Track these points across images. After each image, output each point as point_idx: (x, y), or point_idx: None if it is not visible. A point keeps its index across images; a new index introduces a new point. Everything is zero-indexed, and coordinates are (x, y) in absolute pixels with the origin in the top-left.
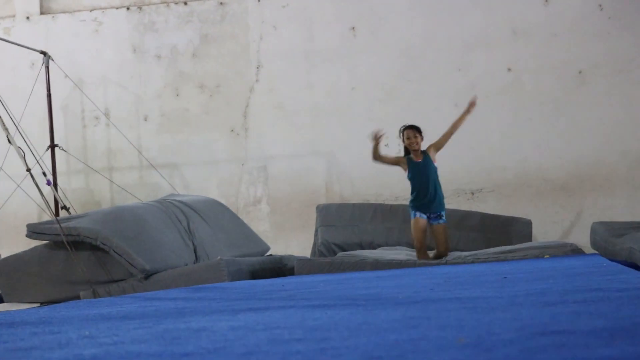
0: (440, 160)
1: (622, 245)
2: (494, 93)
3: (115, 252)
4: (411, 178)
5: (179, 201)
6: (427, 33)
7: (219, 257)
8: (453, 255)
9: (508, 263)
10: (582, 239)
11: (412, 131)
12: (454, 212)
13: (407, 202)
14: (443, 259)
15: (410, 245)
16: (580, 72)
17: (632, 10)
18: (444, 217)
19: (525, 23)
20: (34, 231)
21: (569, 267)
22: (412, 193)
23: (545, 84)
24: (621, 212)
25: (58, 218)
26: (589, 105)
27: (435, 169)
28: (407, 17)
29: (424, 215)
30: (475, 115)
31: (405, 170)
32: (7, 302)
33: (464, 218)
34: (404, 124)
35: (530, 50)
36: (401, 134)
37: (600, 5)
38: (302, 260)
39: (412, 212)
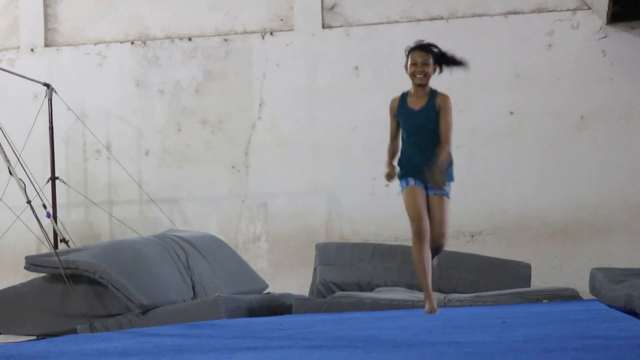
0: None
1: (621, 292)
2: (495, 136)
3: (113, 286)
4: (403, 132)
5: (178, 236)
6: None
7: (217, 294)
8: (452, 297)
9: (507, 307)
10: (581, 284)
11: (420, 53)
12: (453, 254)
13: (407, 243)
14: (435, 258)
15: (409, 286)
16: (582, 117)
17: (635, 57)
18: (447, 190)
19: (528, 67)
20: (32, 263)
21: (568, 313)
22: (401, 154)
23: (546, 128)
24: (620, 258)
25: (57, 251)
26: (590, 151)
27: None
28: None
29: (422, 183)
30: (477, 158)
31: (393, 119)
32: (3, 333)
33: (463, 260)
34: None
35: (533, 94)
36: (406, 58)
37: (603, 51)
38: (299, 299)
39: (403, 181)
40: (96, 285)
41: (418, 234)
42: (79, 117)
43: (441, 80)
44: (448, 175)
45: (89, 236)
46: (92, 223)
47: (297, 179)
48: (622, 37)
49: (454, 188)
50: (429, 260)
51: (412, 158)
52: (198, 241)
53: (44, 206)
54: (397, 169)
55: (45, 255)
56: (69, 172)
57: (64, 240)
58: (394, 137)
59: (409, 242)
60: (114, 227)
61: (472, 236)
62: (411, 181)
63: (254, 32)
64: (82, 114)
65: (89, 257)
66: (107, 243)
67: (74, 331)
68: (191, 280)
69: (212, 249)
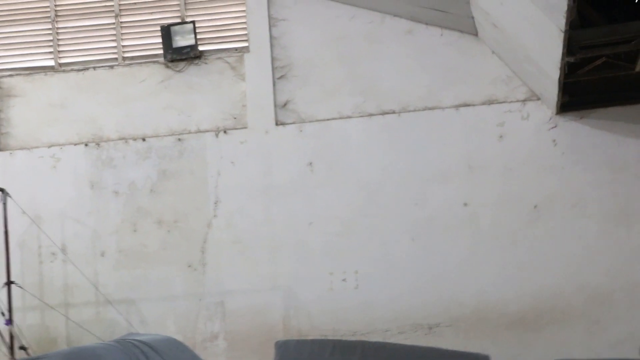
0: (397, 294)
1: None
2: (450, 227)
3: None
4: None
5: (138, 341)
6: (384, 168)
7: None
8: None
9: None
10: None
11: None
12: (410, 348)
13: (366, 337)
14: None
15: None
16: (535, 206)
17: (585, 145)
18: None
19: (480, 158)
20: None
21: None
22: None
23: (501, 218)
24: (578, 347)
25: None
26: (545, 239)
27: None
28: (364, 153)
29: None
30: (433, 249)
31: None
32: None
33: (421, 354)
34: None
35: (486, 185)
36: None
37: (554, 141)
38: None
39: None
40: None
41: None
42: (34, 220)
43: (395, 174)
44: None
45: (45, 340)
46: (49, 327)
47: (254, 275)
48: (572, 127)
49: (411, 280)
50: None
51: None
52: (159, 345)
53: (2, 314)
54: None
55: None
56: (25, 276)
57: (22, 348)
58: None
59: (367, 336)
60: (70, 330)
61: (430, 328)
62: None
63: (207, 131)
64: (37, 217)
65: None
66: (68, 350)
67: None
68: None
69: (174, 353)
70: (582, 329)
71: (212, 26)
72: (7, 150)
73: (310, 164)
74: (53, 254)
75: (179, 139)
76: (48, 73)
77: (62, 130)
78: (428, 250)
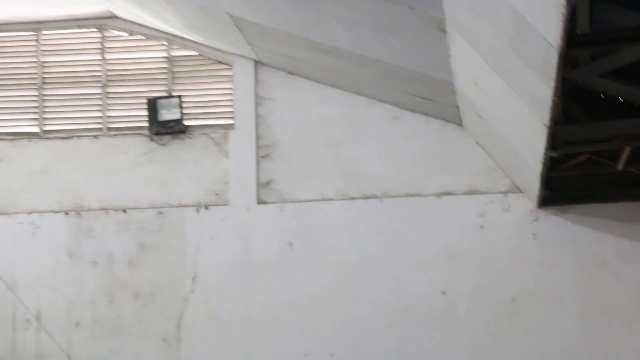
0: None
1: None
2: (427, 316)
3: None
4: None
5: None
6: (363, 252)
7: None
8: None
9: None
10: None
11: None
12: None
13: None
14: None
15: None
16: (513, 299)
17: (565, 240)
18: None
19: (460, 247)
20: None
21: None
22: None
23: (478, 309)
24: None
25: None
26: (521, 333)
27: None
28: (344, 236)
29: None
30: (409, 337)
31: None
32: None
33: None
34: None
35: (465, 275)
36: None
37: (534, 234)
38: None
39: None
40: None
41: None
42: (10, 286)
43: (374, 259)
44: None
45: None
46: None
47: (229, 354)
48: (552, 221)
49: None
50: None
51: None
52: None
53: None
54: None
55: None
56: None
57: None
58: None
59: None
60: None
61: None
62: None
63: (189, 206)
64: (13, 282)
65: None
66: None
67: None
68: None
69: None
70: None
71: (198, 102)
72: None
73: (290, 244)
74: (27, 321)
75: (160, 212)
76: (32, 139)
77: (43, 197)
78: (404, 338)
